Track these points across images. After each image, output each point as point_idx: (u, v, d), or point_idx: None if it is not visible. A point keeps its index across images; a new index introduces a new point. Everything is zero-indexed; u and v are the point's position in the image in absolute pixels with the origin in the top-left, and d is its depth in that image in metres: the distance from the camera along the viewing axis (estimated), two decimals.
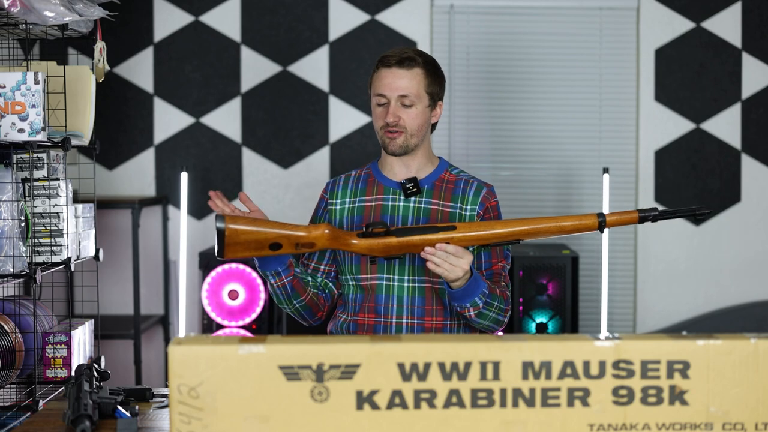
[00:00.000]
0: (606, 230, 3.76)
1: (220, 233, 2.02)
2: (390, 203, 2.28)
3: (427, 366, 1.36)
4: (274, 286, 2.23)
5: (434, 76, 2.27)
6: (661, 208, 2.15)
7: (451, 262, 2.06)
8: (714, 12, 4.30)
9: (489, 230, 2.10)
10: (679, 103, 4.32)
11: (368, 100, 2.39)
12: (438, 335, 1.44)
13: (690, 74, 4.32)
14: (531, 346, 1.37)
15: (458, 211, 2.27)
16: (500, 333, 3.83)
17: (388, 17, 4.31)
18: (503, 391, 1.37)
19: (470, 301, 2.14)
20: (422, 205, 2.27)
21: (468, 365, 1.36)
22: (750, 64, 4.30)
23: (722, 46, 4.31)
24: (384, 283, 2.24)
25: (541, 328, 3.86)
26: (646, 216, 2.09)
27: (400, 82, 2.22)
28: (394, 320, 2.24)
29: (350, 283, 2.28)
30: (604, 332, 3.93)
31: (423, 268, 2.24)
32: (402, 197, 2.28)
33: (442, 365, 1.36)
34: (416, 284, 2.24)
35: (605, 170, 3.85)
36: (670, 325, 4.33)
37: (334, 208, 2.32)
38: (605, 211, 3.89)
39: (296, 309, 2.28)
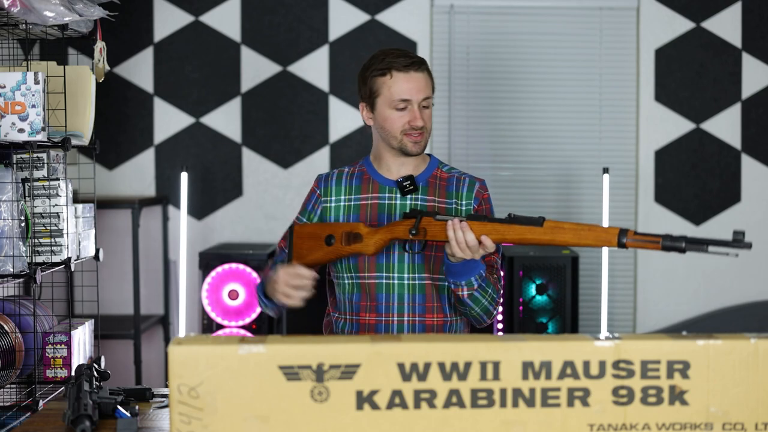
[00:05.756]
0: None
1: (290, 230, 2.28)
2: (387, 201, 2.29)
3: (427, 366, 1.36)
4: (267, 310, 2.36)
5: (431, 75, 2.33)
6: (690, 236, 1.94)
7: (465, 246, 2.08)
8: (714, 12, 4.30)
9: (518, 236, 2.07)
10: (679, 103, 4.32)
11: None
12: (438, 335, 1.44)
13: (690, 74, 4.32)
14: (531, 346, 1.37)
15: (454, 206, 2.29)
16: (500, 333, 3.84)
17: (388, 17, 4.31)
18: (503, 391, 1.37)
19: (466, 279, 2.14)
20: (419, 203, 2.28)
21: (468, 365, 1.36)
22: (750, 64, 4.30)
23: (722, 46, 4.31)
24: (384, 281, 2.24)
25: (541, 328, 3.86)
26: (671, 246, 1.90)
27: (420, 85, 2.26)
28: (395, 318, 2.24)
29: (346, 281, 2.29)
30: (604, 332, 3.93)
31: (423, 266, 2.25)
32: (398, 195, 2.28)
33: (442, 365, 1.36)
34: (416, 281, 2.25)
35: (605, 170, 3.86)
36: (670, 325, 4.33)
37: (328, 205, 2.32)
38: (605, 212, 3.88)
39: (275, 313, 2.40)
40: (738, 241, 1.83)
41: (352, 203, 2.31)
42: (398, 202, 2.29)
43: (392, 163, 2.31)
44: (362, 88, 2.32)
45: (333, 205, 2.32)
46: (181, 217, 3.90)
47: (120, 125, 4.31)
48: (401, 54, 2.28)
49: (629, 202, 4.35)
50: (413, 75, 2.25)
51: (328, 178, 2.36)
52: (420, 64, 2.26)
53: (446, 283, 2.26)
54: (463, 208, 2.29)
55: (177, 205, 4.24)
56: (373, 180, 2.31)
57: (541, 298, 3.86)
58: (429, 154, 2.38)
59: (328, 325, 2.39)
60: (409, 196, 2.28)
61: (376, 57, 2.31)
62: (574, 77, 4.35)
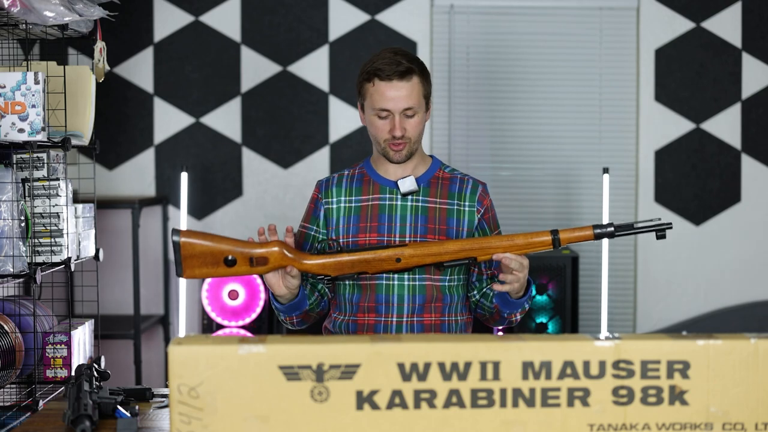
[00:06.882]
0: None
1: (176, 245, 2.06)
2: (387, 202, 2.28)
3: (427, 366, 1.36)
4: (285, 321, 2.31)
5: (427, 78, 2.27)
6: (618, 223, 2.14)
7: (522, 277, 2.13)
8: (714, 12, 4.30)
9: (440, 247, 2.10)
10: (679, 103, 4.32)
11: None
12: (438, 335, 1.44)
13: (690, 74, 4.32)
14: (531, 346, 1.37)
15: (456, 207, 2.28)
16: (500, 333, 3.84)
17: (388, 17, 4.31)
18: (503, 391, 1.37)
19: (521, 307, 2.25)
20: (420, 204, 2.28)
21: (468, 365, 1.36)
22: (750, 64, 4.30)
23: (722, 46, 4.31)
24: (384, 282, 2.24)
25: (541, 328, 3.86)
26: (601, 233, 2.07)
27: (402, 95, 2.20)
28: (394, 319, 2.24)
29: (347, 282, 2.28)
30: (604, 332, 3.93)
31: (422, 267, 2.24)
32: (399, 196, 2.28)
33: (442, 365, 1.36)
34: (416, 282, 2.25)
35: (605, 170, 3.86)
36: (670, 325, 4.33)
37: (330, 207, 2.32)
38: (605, 212, 3.88)
39: (293, 323, 2.33)
40: (659, 225, 2.05)
41: (353, 205, 2.30)
42: (399, 203, 2.28)
43: (390, 165, 2.31)
44: (358, 88, 2.32)
45: (334, 206, 2.31)
46: (181, 217, 3.90)
47: (120, 125, 4.31)
48: (391, 60, 2.21)
49: (629, 202, 4.35)
50: (395, 84, 2.19)
51: (329, 182, 2.36)
52: (405, 73, 2.19)
53: (446, 284, 2.26)
54: (466, 209, 2.29)
55: (177, 205, 4.24)
56: (373, 181, 2.31)
57: (541, 298, 3.86)
58: (431, 156, 2.38)
59: (327, 326, 2.38)
60: (409, 197, 2.28)
61: (371, 58, 2.27)
62: (574, 77, 4.35)
